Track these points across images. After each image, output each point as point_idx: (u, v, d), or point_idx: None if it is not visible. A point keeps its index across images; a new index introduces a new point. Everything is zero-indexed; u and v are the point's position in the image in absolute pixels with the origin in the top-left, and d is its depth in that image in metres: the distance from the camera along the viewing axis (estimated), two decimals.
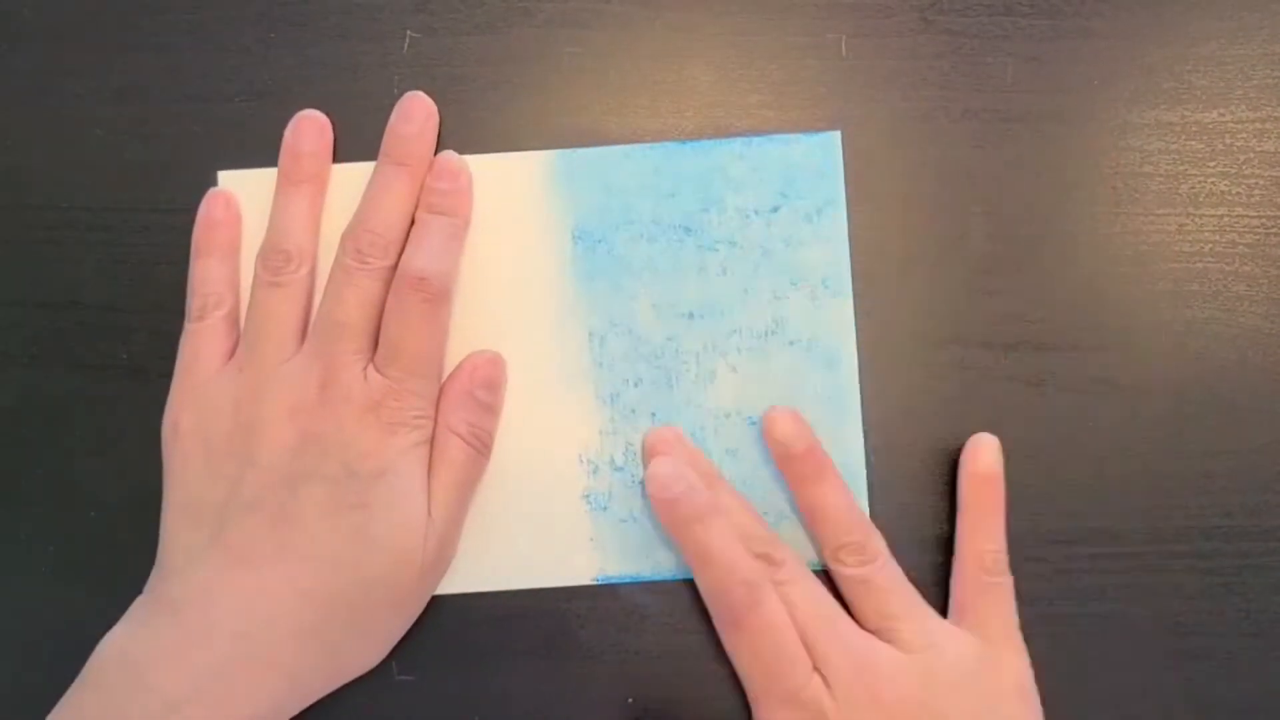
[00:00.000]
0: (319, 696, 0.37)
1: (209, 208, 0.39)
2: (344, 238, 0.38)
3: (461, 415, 0.38)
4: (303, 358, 0.37)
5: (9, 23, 0.40)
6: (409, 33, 0.40)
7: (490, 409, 0.39)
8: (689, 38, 0.40)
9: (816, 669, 0.36)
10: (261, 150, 0.40)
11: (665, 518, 0.38)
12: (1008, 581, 0.38)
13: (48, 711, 0.34)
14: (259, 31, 0.40)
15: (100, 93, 0.40)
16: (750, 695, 0.38)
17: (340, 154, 0.40)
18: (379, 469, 0.36)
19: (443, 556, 0.38)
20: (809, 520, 0.38)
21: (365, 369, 0.37)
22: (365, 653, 0.37)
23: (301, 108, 0.40)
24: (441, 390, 0.38)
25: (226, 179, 0.40)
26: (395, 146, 0.39)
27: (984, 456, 0.38)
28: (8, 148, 0.40)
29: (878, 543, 0.38)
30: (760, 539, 0.38)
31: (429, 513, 0.37)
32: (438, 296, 0.37)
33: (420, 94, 0.39)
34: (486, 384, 0.39)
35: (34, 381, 0.40)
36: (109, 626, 0.35)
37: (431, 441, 0.38)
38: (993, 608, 0.38)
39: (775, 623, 0.36)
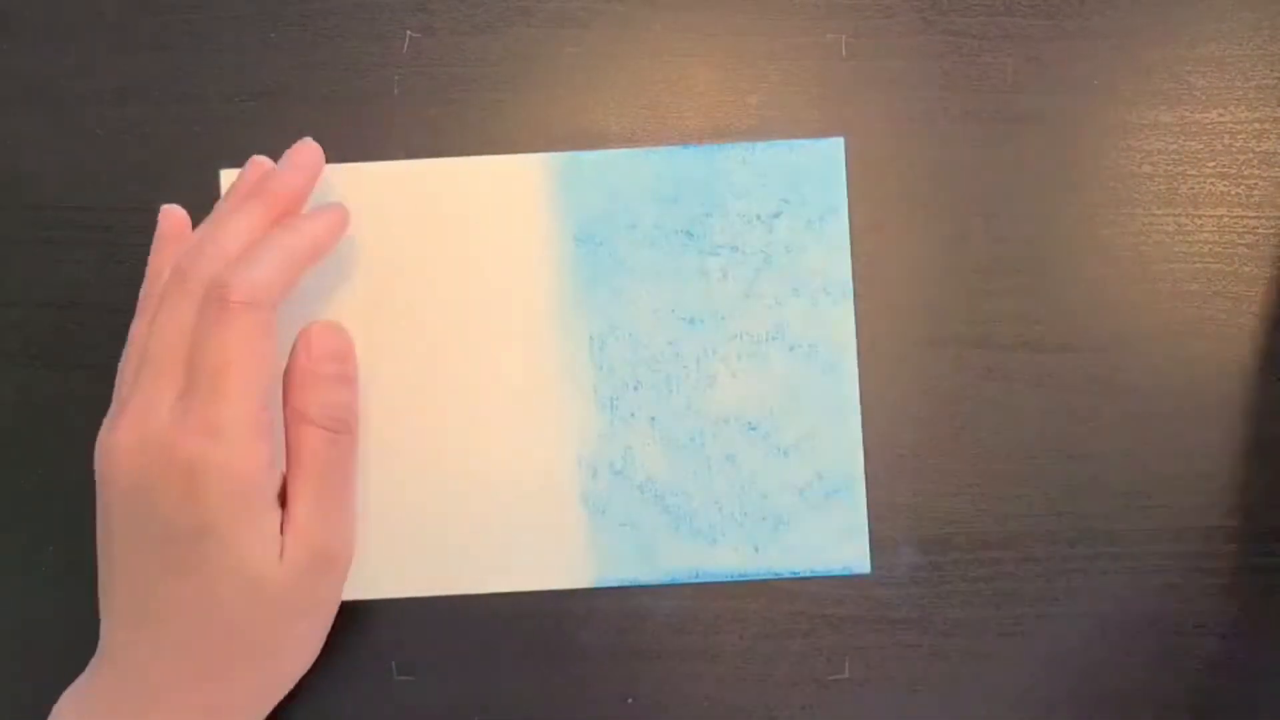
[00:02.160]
0: (272, 705, 0.36)
1: (162, 224, 0.37)
2: (174, 260, 0.35)
3: (309, 397, 0.34)
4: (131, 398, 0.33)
5: (9, 23, 0.40)
6: (409, 33, 0.40)
7: (342, 380, 0.35)
8: (689, 38, 0.40)
9: None
10: (261, 150, 0.39)
11: None
12: None
13: (48, 712, 0.34)
14: (259, 31, 0.40)
15: (100, 93, 0.40)
16: None
17: (340, 154, 0.39)
18: (196, 529, 0.32)
19: (326, 555, 0.35)
20: None
21: (175, 404, 0.33)
22: (288, 671, 0.36)
23: (302, 108, 0.40)
24: (284, 376, 0.35)
25: (229, 178, 0.40)
26: (267, 182, 0.36)
27: None
28: (8, 148, 0.40)
29: None
30: None
31: (280, 531, 0.33)
32: (241, 306, 0.32)
33: (312, 144, 0.37)
34: (331, 355, 0.35)
35: (34, 381, 0.40)
36: None
37: (285, 446, 0.34)
38: None
39: None
